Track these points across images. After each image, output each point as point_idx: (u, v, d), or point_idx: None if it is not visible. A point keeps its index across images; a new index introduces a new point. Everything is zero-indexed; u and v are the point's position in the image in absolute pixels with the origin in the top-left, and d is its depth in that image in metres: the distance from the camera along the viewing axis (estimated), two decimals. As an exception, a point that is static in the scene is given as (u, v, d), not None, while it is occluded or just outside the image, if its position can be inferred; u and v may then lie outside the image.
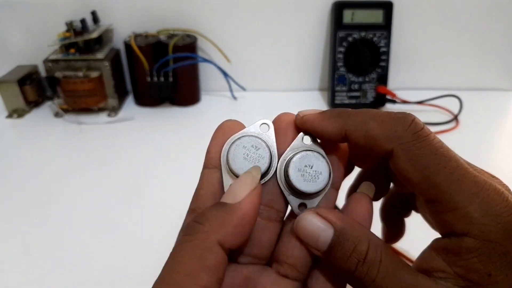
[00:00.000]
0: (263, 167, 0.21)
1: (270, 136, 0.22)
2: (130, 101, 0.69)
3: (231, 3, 0.66)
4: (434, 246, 0.19)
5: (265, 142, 0.22)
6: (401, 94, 0.65)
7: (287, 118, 0.22)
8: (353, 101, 0.66)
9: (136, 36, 0.63)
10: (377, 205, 0.27)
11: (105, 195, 0.47)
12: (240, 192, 0.19)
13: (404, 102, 0.64)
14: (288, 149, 0.22)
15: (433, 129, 0.60)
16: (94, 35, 0.61)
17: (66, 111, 0.63)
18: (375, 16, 0.64)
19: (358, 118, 0.20)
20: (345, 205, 0.22)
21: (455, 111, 0.63)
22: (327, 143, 0.22)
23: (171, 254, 0.18)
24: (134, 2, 0.65)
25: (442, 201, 0.18)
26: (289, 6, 0.66)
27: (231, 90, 0.69)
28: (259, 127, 0.22)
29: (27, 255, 0.39)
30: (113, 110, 0.64)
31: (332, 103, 0.66)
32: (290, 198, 0.22)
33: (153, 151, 0.55)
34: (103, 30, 0.63)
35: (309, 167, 0.21)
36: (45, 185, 0.49)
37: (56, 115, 0.63)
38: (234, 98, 0.70)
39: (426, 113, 0.64)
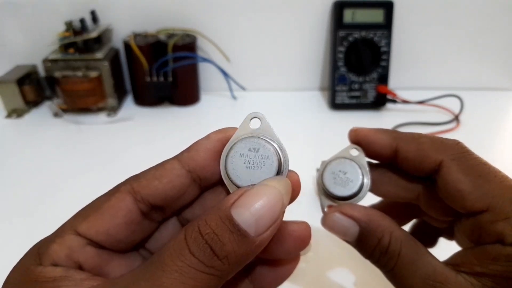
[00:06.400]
0: (274, 167, 0.18)
1: (265, 129, 0.19)
2: (129, 101, 0.69)
3: (230, 3, 0.65)
4: (471, 248, 0.19)
5: (262, 138, 0.19)
6: (401, 94, 0.64)
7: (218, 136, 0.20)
8: (354, 101, 0.66)
9: (136, 35, 0.63)
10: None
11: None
12: (264, 224, 0.16)
13: (405, 102, 0.64)
14: (333, 155, 0.23)
15: (434, 129, 0.60)
16: (94, 34, 0.60)
17: (65, 111, 0.63)
18: (375, 16, 0.63)
19: (410, 134, 0.22)
20: None
21: (456, 111, 0.63)
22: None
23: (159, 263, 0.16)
24: (133, 2, 0.65)
25: (495, 210, 0.18)
26: (289, 6, 0.66)
27: (231, 90, 0.69)
28: (250, 124, 0.19)
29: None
30: (113, 110, 0.64)
31: (333, 103, 0.66)
32: (321, 198, 0.23)
33: (153, 151, 0.55)
34: (102, 30, 0.63)
35: (342, 172, 0.23)
36: (44, 185, 0.48)
37: (55, 115, 0.63)
38: (234, 97, 0.69)
39: (426, 113, 0.64)
